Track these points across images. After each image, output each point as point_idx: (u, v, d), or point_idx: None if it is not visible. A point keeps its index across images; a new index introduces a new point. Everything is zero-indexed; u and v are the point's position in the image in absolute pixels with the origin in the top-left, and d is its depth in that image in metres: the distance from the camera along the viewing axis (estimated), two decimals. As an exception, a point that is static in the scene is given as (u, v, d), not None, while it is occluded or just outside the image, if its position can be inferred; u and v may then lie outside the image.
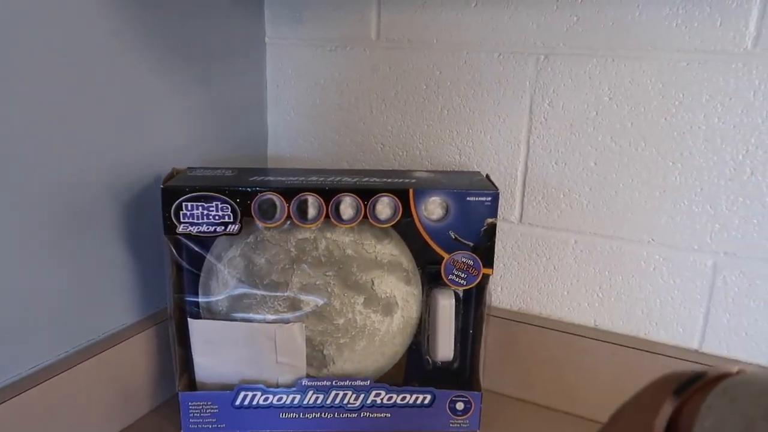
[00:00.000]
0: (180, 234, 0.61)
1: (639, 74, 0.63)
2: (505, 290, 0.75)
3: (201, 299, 0.66)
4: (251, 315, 0.64)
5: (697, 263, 0.65)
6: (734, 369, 0.29)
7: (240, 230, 0.61)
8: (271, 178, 0.64)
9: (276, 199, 0.60)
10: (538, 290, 0.74)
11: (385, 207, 0.61)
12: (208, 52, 0.74)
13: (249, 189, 0.60)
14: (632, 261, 0.68)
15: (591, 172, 0.68)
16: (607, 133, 0.66)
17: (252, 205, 0.60)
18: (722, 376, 0.29)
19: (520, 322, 0.73)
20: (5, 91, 0.52)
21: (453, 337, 0.67)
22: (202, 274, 0.66)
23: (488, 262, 0.63)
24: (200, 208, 0.60)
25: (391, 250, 0.65)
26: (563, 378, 0.72)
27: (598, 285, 0.70)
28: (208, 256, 0.65)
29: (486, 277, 0.64)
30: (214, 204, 0.60)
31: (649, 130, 0.64)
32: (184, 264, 0.65)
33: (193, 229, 0.61)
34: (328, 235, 0.63)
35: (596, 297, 0.71)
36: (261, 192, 0.60)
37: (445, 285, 0.65)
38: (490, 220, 0.62)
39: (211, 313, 0.66)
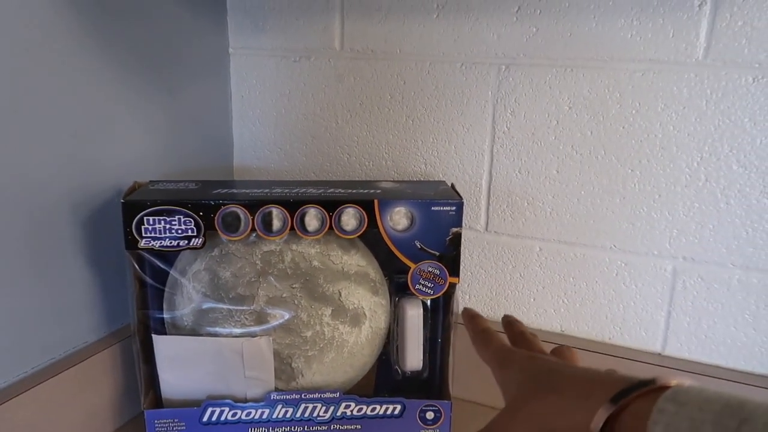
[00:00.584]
0: (142, 249, 0.60)
1: (597, 84, 0.64)
2: (473, 298, 0.76)
3: (166, 315, 0.65)
4: (217, 329, 0.63)
5: (658, 268, 0.66)
6: (673, 381, 0.31)
7: (204, 244, 0.60)
8: (235, 191, 0.63)
9: (240, 211, 0.60)
10: (506, 297, 0.74)
11: (350, 218, 0.61)
12: (171, 62, 0.73)
13: (212, 202, 0.59)
14: (595, 267, 0.69)
15: (553, 180, 0.69)
16: (567, 142, 0.67)
17: (216, 218, 0.59)
18: (666, 386, 0.30)
19: (488, 329, 0.74)
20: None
21: (422, 346, 0.67)
22: (166, 289, 0.65)
23: (454, 270, 0.63)
24: (162, 222, 0.59)
25: (357, 260, 0.65)
26: (531, 384, 0.72)
27: (563, 291, 0.71)
28: (172, 271, 0.64)
29: (453, 286, 0.64)
30: (176, 218, 0.59)
31: (608, 138, 0.65)
32: (148, 279, 0.64)
33: (156, 244, 0.60)
34: (294, 247, 0.63)
35: (562, 303, 0.72)
36: (224, 205, 0.59)
37: (412, 295, 0.65)
38: (455, 230, 0.62)
39: (177, 329, 0.65)
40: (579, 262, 0.70)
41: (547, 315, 0.72)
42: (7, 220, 0.56)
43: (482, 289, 0.75)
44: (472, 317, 0.49)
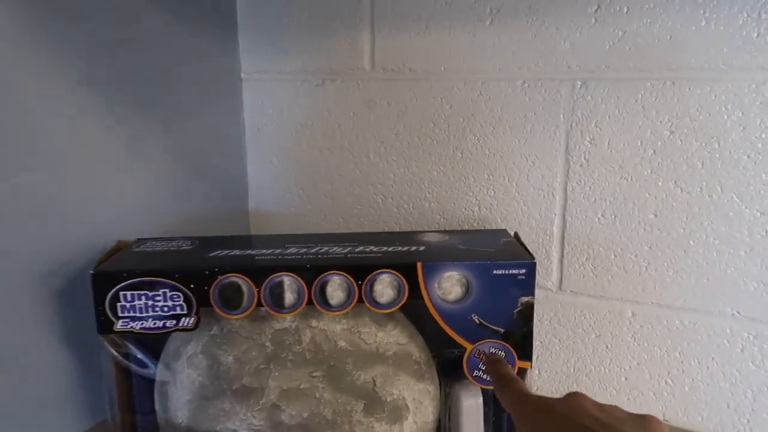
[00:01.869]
0: (120, 332, 0.46)
1: (710, 100, 0.49)
2: (544, 374, 0.60)
3: (158, 409, 0.52)
4: (219, 429, 0.49)
5: (802, 343, 0.49)
6: None
7: (197, 324, 0.47)
8: (237, 253, 0.50)
9: (242, 282, 0.46)
10: (587, 375, 0.58)
11: (386, 287, 0.47)
12: (171, 91, 0.61)
13: (206, 271, 0.46)
14: (711, 340, 0.52)
15: (650, 225, 0.53)
16: (669, 177, 0.51)
17: (211, 291, 0.46)
18: None
19: (566, 415, 0.58)
20: None
21: (482, 447, 0.51)
22: (156, 378, 0.52)
23: (525, 352, 0.48)
24: (143, 298, 0.46)
25: (397, 337, 0.51)
26: (626, 490, 0.56)
27: (666, 370, 0.55)
28: (163, 354, 0.51)
29: (523, 372, 0.48)
30: (160, 292, 0.46)
31: (726, 171, 0.49)
32: (133, 366, 0.51)
33: (136, 326, 0.46)
34: (314, 323, 0.49)
35: (665, 385, 0.55)
36: (222, 274, 0.46)
37: (468, 379, 0.50)
38: (525, 299, 0.47)
39: (171, 428, 0.51)
40: (688, 333, 0.53)
41: (644, 399, 0.56)
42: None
43: (555, 363, 0.59)
44: (493, 362, 0.45)
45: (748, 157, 0.48)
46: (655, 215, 0.53)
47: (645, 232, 0.53)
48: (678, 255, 0.52)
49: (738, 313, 0.51)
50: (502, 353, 0.48)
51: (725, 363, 0.52)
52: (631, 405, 0.56)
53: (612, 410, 0.33)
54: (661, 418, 0.55)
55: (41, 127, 0.49)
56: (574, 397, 0.34)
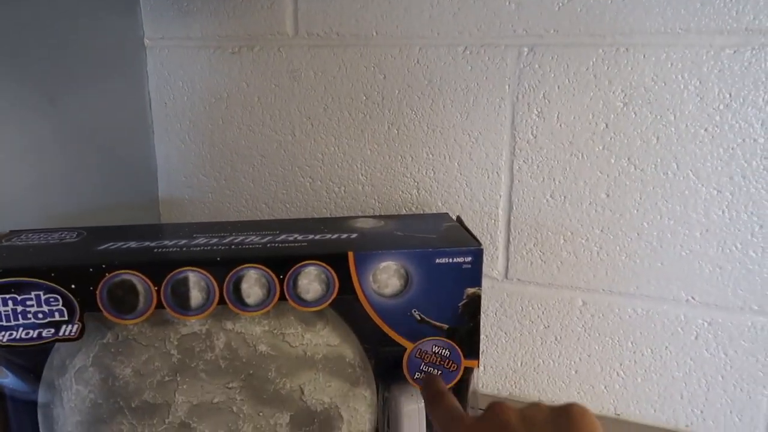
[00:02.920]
0: (-18, 345, 0.38)
1: (665, 68, 0.45)
2: (489, 370, 0.55)
3: (40, 434, 0.43)
4: (117, 454, 0.41)
5: (758, 329, 0.46)
6: None
7: (81, 332, 0.39)
8: (133, 245, 0.41)
9: (136, 280, 0.38)
10: (535, 369, 0.54)
11: (312, 281, 0.40)
12: (62, 57, 0.51)
13: (91, 268, 0.37)
14: (665, 328, 0.49)
15: (602, 207, 0.49)
16: (622, 153, 0.47)
17: (98, 292, 0.38)
18: None
19: (513, 413, 0.53)
20: None
21: (424, 455, 0.46)
22: (39, 398, 0.43)
23: (471, 350, 0.43)
24: (10, 302, 0.37)
25: (327, 338, 0.44)
26: (577, 491, 0.52)
27: (618, 361, 0.51)
28: (46, 370, 0.42)
29: (469, 372, 0.43)
30: (32, 295, 0.37)
31: (683, 146, 0.45)
32: (8, 386, 0.42)
33: (3, 336, 0.38)
34: (229, 326, 0.41)
35: (617, 377, 0.51)
36: (110, 271, 0.37)
37: (409, 383, 0.44)
38: (471, 290, 0.41)
39: (57, 454, 0.43)
40: (641, 321, 0.50)
41: (595, 393, 0.52)
42: None
43: (501, 358, 0.55)
44: (427, 379, 0.41)
45: (706, 130, 0.45)
46: (608, 195, 0.48)
47: (596, 214, 0.49)
48: (631, 238, 0.48)
49: (692, 298, 0.48)
50: (439, 372, 0.43)
51: (679, 352, 0.49)
52: (582, 399, 0.53)
53: (534, 412, 0.31)
54: (612, 411, 0.52)
55: None
56: (493, 411, 0.32)
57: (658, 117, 0.46)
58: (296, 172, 0.59)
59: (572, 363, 0.53)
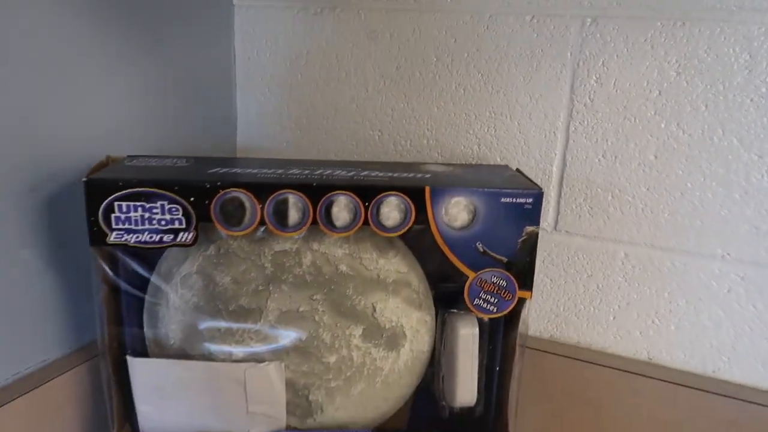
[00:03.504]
0: (113, 245, 0.44)
1: (719, 42, 0.49)
2: (533, 313, 0.61)
3: (147, 330, 0.50)
4: (213, 351, 0.48)
5: (786, 284, 0.51)
6: None
7: (195, 240, 0.45)
8: (239, 170, 0.48)
9: (245, 198, 0.44)
10: (577, 314, 0.59)
11: (392, 210, 0.46)
12: (161, 13, 0.58)
13: (207, 185, 0.44)
14: (700, 281, 0.54)
15: (650, 167, 0.53)
16: (672, 119, 0.52)
17: (212, 205, 0.44)
18: None
19: (553, 353, 0.59)
20: None
21: (476, 376, 0.52)
22: (147, 297, 0.50)
23: (526, 282, 0.48)
24: (140, 209, 0.44)
25: (397, 265, 0.50)
26: (608, 424, 0.58)
27: (653, 310, 0.56)
28: (154, 274, 0.49)
29: (522, 302, 0.49)
30: (158, 204, 0.44)
31: (729, 114, 0.50)
32: (122, 284, 0.49)
33: (131, 239, 0.44)
34: (315, 246, 0.48)
35: (651, 324, 0.56)
36: (224, 188, 0.44)
37: (464, 310, 0.50)
38: (530, 229, 0.47)
39: (161, 348, 0.50)
40: (678, 274, 0.54)
41: (630, 338, 0.57)
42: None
43: (547, 302, 0.60)
44: None
45: (752, 100, 0.49)
46: (656, 157, 0.53)
47: (644, 174, 0.54)
48: (674, 197, 0.53)
49: (728, 254, 0.53)
50: (495, 300, 0.48)
51: (711, 303, 0.54)
52: (618, 343, 0.58)
53: None
54: (645, 356, 0.57)
55: (27, 39, 0.45)
56: None
57: (708, 86, 0.50)
58: (366, 125, 0.64)
59: (611, 310, 0.58)
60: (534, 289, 0.60)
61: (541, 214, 0.58)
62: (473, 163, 0.60)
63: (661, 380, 0.55)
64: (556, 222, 0.58)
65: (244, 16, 0.67)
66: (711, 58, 0.50)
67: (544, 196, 0.58)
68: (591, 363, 0.58)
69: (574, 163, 0.56)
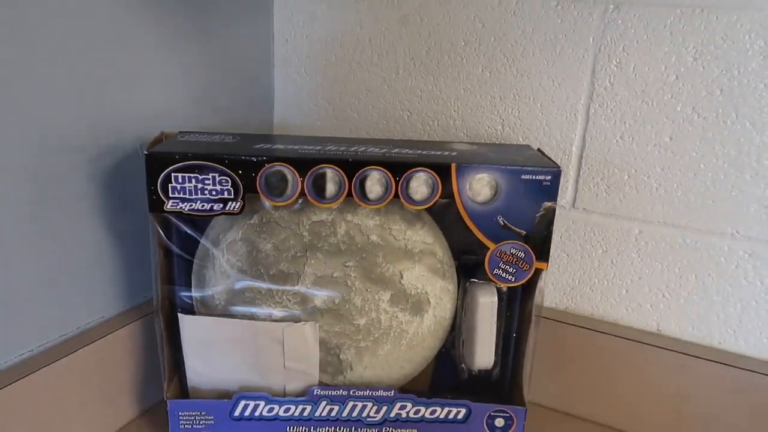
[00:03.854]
0: (169, 212, 0.49)
1: (735, 29, 0.51)
2: (552, 286, 0.65)
3: (194, 291, 0.55)
4: (254, 311, 0.53)
5: (792, 262, 0.54)
6: None
7: (242, 209, 0.50)
8: (281, 146, 0.52)
9: (287, 171, 0.49)
10: (591, 287, 0.63)
11: (421, 184, 0.50)
12: (207, 1, 0.62)
13: (254, 158, 0.48)
14: (710, 257, 0.57)
15: (665, 148, 0.56)
16: (688, 102, 0.54)
17: (258, 178, 0.49)
18: None
19: (568, 323, 0.63)
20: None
21: (494, 341, 0.56)
22: (195, 261, 0.55)
23: (543, 254, 0.52)
24: (193, 180, 0.49)
25: (423, 236, 0.54)
26: (619, 391, 0.61)
27: (664, 284, 0.59)
28: (203, 240, 0.54)
29: (538, 273, 0.53)
30: (210, 176, 0.48)
31: (743, 98, 0.52)
32: (174, 248, 0.54)
33: (185, 206, 0.49)
34: (349, 217, 0.52)
35: (662, 298, 0.60)
36: (269, 163, 0.48)
37: (484, 280, 0.54)
38: (548, 204, 0.50)
39: (207, 308, 0.55)
40: (689, 251, 0.57)
41: (642, 311, 0.61)
42: (14, 174, 0.46)
43: (563, 276, 0.64)
44: None
45: (765, 85, 0.52)
46: (671, 138, 0.56)
47: (659, 155, 0.57)
48: (688, 177, 0.56)
49: (737, 232, 0.55)
50: (514, 270, 0.52)
51: (720, 278, 0.57)
52: (629, 315, 0.61)
53: None
54: (655, 327, 0.61)
55: (91, 20, 0.50)
56: None
57: (724, 72, 0.53)
58: (396, 105, 0.68)
59: (624, 284, 0.61)
60: (551, 263, 0.64)
61: (560, 192, 0.62)
62: (497, 142, 0.63)
63: (670, 350, 0.59)
64: (575, 200, 0.61)
65: (283, 0, 0.71)
66: (727, 45, 0.52)
67: (563, 174, 0.61)
68: (604, 333, 0.61)
69: (593, 143, 0.59)
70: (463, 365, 0.58)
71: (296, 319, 0.53)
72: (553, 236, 0.63)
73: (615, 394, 0.62)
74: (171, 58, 0.59)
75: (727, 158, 0.54)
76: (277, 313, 0.53)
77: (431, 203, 0.50)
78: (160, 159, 0.48)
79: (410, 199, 0.50)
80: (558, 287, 0.64)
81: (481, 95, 0.63)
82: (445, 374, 0.60)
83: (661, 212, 0.58)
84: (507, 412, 0.56)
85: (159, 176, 0.48)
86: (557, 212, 0.62)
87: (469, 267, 0.57)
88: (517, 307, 0.57)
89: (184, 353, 0.55)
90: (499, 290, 0.55)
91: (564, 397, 0.64)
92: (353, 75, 0.69)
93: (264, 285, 0.52)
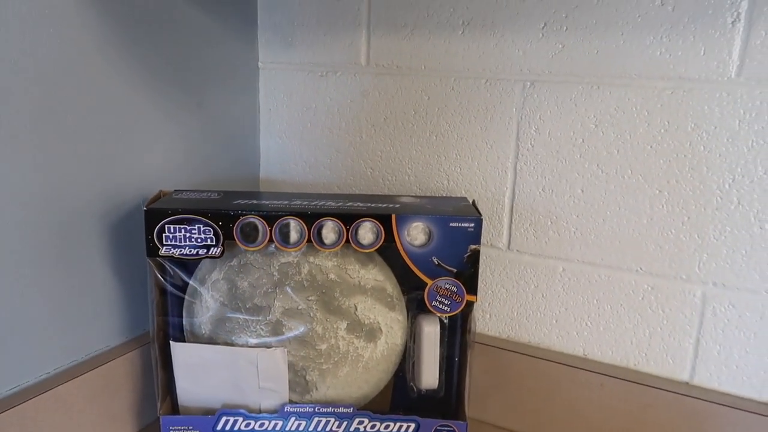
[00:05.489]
0: (163, 256, 0.61)
1: (624, 102, 0.63)
2: (494, 317, 0.75)
3: (185, 322, 0.66)
4: (234, 339, 0.64)
5: (686, 293, 0.64)
6: None
7: (222, 253, 0.61)
8: (255, 202, 0.64)
9: (258, 222, 0.60)
10: (527, 318, 0.73)
11: (367, 232, 0.61)
12: (203, 74, 0.75)
13: (231, 212, 0.60)
14: (620, 290, 0.67)
15: (578, 199, 0.67)
16: (593, 160, 0.66)
17: (234, 228, 0.60)
18: None
19: (509, 350, 0.72)
20: (-9, 113, 0.53)
21: (438, 364, 0.66)
22: (186, 297, 0.66)
23: (472, 288, 0.62)
24: (183, 230, 0.60)
25: (375, 275, 0.65)
26: (551, 408, 0.70)
27: (586, 314, 0.69)
28: (192, 279, 0.65)
29: (470, 304, 0.63)
30: (196, 227, 0.60)
31: (635, 157, 0.64)
32: (168, 287, 0.65)
33: (176, 252, 0.61)
34: (312, 259, 0.63)
35: (585, 326, 0.69)
36: (243, 215, 0.60)
37: (430, 312, 0.64)
38: (473, 247, 0.61)
39: (195, 337, 0.66)
40: (603, 285, 0.68)
41: (569, 338, 0.70)
42: (36, 225, 0.58)
43: (503, 308, 0.74)
44: None
45: (651, 146, 0.63)
46: (582, 191, 0.67)
47: (574, 204, 0.68)
48: (598, 222, 0.67)
49: (640, 268, 0.65)
50: (448, 302, 0.62)
51: (630, 308, 0.67)
52: (559, 341, 0.71)
53: None
54: (581, 352, 0.70)
55: (99, 99, 0.63)
56: None
57: (619, 135, 0.64)
58: (361, 164, 0.80)
59: (553, 314, 0.71)
60: (493, 297, 0.74)
61: (497, 236, 0.72)
62: (440, 195, 0.75)
63: (593, 372, 0.68)
64: (509, 242, 0.72)
65: (267, 77, 0.84)
66: (620, 114, 0.64)
67: (499, 220, 0.72)
68: (539, 358, 0.71)
69: (521, 195, 0.70)
70: (412, 385, 0.68)
71: (268, 345, 0.63)
72: (494, 274, 0.73)
73: (548, 412, 0.71)
74: (170, 128, 0.71)
75: (627, 206, 0.65)
76: (253, 340, 0.63)
77: (377, 247, 0.61)
78: (156, 213, 0.60)
79: (359, 244, 0.61)
80: (500, 318, 0.74)
81: (430, 155, 0.75)
82: (401, 395, 0.70)
83: (579, 252, 0.68)
84: (451, 427, 0.66)
85: (155, 227, 0.60)
86: (496, 254, 0.73)
87: (418, 301, 0.67)
88: (457, 335, 0.66)
89: (175, 376, 0.65)
90: (441, 321, 0.65)
91: (505, 415, 0.73)
92: (325, 138, 0.81)
93: (242, 316, 0.63)
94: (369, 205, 0.64)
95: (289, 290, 0.62)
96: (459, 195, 0.74)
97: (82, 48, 0.60)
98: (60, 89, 0.58)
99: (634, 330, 0.67)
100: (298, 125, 0.83)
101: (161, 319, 0.65)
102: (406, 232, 0.61)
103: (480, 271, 0.64)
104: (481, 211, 0.67)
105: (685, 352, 0.65)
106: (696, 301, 0.63)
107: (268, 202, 0.63)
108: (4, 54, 0.53)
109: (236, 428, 0.65)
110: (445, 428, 0.66)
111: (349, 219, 0.60)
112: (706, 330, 0.63)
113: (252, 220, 0.60)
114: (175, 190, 0.68)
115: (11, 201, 0.55)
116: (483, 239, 0.72)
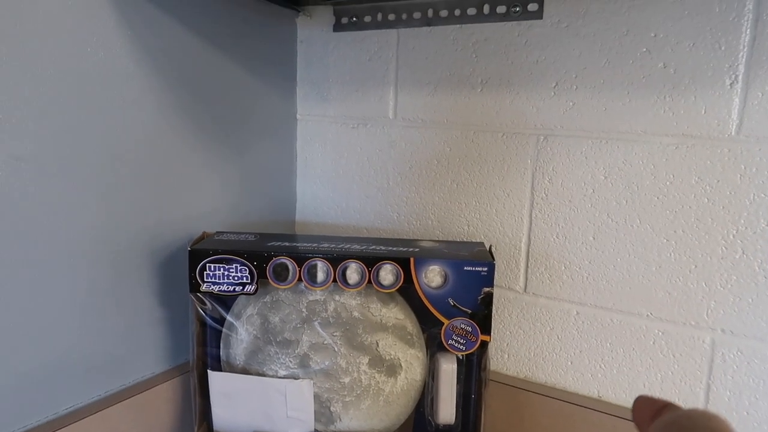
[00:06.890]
0: (203, 292, 0.67)
1: (631, 156, 0.67)
2: (512, 357, 0.78)
3: (222, 353, 0.72)
4: (265, 369, 0.69)
5: (695, 339, 0.66)
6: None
7: (256, 290, 0.67)
8: (287, 244, 0.70)
9: (289, 263, 0.66)
10: (543, 359, 0.76)
11: (387, 273, 0.66)
12: (246, 126, 0.83)
13: (265, 253, 0.66)
14: (632, 334, 0.69)
15: (590, 246, 0.71)
16: (603, 210, 0.69)
17: (267, 267, 0.66)
18: None
19: (526, 390, 0.75)
20: (58, 166, 0.61)
21: (455, 401, 0.69)
22: (223, 330, 0.72)
23: (486, 329, 0.66)
24: (222, 269, 0.67)
25: (395, 314, 0.70)
26: (566, 448, 0.73)
27: (600, 356, 0.72)
28: (229, 314, 0.72)
29: (484, 344, 0.67)
30: (233, 266, 0.67)
31: (643, 207, 0.67)
32: (208, 320, 0.71)
33: (215, 288, 0.67)
34: (337, 297, 0.68)
35: (599, 368, 0.72)
36: (276, 256, 0.66)
37: (448, 350, 0.68)
38: (486, 289, 0.65)
39: (231, 367, 0.71)
40: (616, 328, 0.70)
41: (584, 380, 0.73)
42: (94, 265, 0.66)
43: (521, 348, 0.77)
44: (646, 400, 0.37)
45: (657, 198, 0.66)
46: (594, 238, 0.71)
47: (586, 250, 0.71)
48: (609, 268, 0.70)
49: (650, 313, 0.68)
50: (463, 341, 0.66)
51: (642, 352, 0.69)
52: (574, 383, 0.74)
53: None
54: (596, 394, 0.72)
55: (155, 152, 0.71)
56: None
57: (627, 187, 0.68)
58: (388, 209, 0.86)
59: (569, 356, 0.74)
60: (510, 338, 0.77)
61: (514, 280, 0.76)
62: (460, 240, 0.79)
63: (607, 413, 0.70)
64: (526, 286, 0.76)
65: (304, 127, 0.91)
66: (627, 167, 0.68)
67: (516, 264, 0.76)
68: (554, 398, 0.73)
69: (536, 241, 0.74)
70: (431, 419, 0.72)
71: (296, 377, 0.68)
72: (511, 316, 0.77)
73: (563, 451, 0.73)
74: (213, 175, 0.79)
75: (636, 254, 0.68)
76: (282, 371, 0.69)
77: (396, 288, 0.66)
78: (199, 253, 0.67)
79: (380, 284, 0.66)
80: (518, 359, 0.78)
81: (451, 202, 0.80)
82: (420, 429, 0.73)
83: (592, 296, 0.71)
84: (466, 462, 0.69)
85: (197, 266, 0.67)
86: (513, 296, 0.77)
87: (435, 338, 0.71)
88: (474, 373, 0.70)
89: (211, 402, 0.71)
90: (459, 359, 0.69)
91: (520, 453, 0.75)
92: (355, 185, 0.88)
93: (272, 349, 0.69)
94: (390, 248, 0.69)
95: (316, 326, 0.68)
96: (478, 240, 0.78)
97: (137, 106, 0.68)
98: (124, 145, 0.66)
99: (646, 374, 0.69)
100: (331, 172, 0.89)
101: (201, 350, 0.72)
102: (423, 275, 0.66)
103: (498, 312, 0.68)
104: (499, 255, 0.72)
105: (696, 396, 0.66)
106: (705, 347, 0.65)
107: (298, 245, 0.70)
108: (111, 132, 0.62)
109: (265, 454, 0.70)
110: (461, 463, 0.69)
111: (371, 261, 0.66)
112: (716, 376, 0.65)
113: (283, 260, 0.66)
114: (217, 232, 0.75)
115: (70, 240, 0.63)
116: (501, 282, 0.76)
